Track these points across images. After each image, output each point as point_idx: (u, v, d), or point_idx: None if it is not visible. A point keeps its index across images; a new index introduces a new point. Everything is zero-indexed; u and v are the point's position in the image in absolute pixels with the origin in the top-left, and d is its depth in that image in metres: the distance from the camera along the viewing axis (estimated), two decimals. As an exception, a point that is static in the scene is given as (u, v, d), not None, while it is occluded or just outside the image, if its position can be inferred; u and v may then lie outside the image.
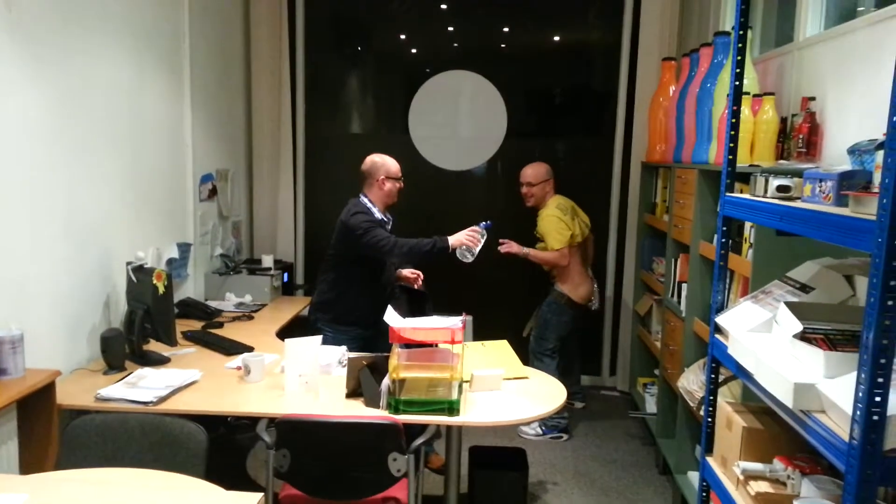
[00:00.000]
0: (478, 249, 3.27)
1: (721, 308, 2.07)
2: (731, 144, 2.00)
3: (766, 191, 1.82)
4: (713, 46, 3.19)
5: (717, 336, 2.01)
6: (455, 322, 2.47)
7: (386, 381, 2.45)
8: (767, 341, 1.73)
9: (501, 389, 2.68)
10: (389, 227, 3.35)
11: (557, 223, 3.91)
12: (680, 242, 3.38)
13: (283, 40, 4.69)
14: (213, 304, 3.92)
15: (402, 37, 4.93)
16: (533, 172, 4.06)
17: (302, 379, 2.61)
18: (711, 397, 2.11)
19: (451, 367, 2.42)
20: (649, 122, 4.15)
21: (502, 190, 4.84)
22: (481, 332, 4.62)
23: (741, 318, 1.92)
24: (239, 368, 2.83)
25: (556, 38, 4.87)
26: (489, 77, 4.74)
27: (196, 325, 3.54)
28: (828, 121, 2.66)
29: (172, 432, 2.06)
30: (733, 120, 2.01)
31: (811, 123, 2.67)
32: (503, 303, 4.87)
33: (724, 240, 2.04)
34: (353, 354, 2.81)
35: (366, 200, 3.31)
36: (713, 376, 2.09)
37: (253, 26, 4.67)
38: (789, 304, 1.69)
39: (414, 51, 4.97)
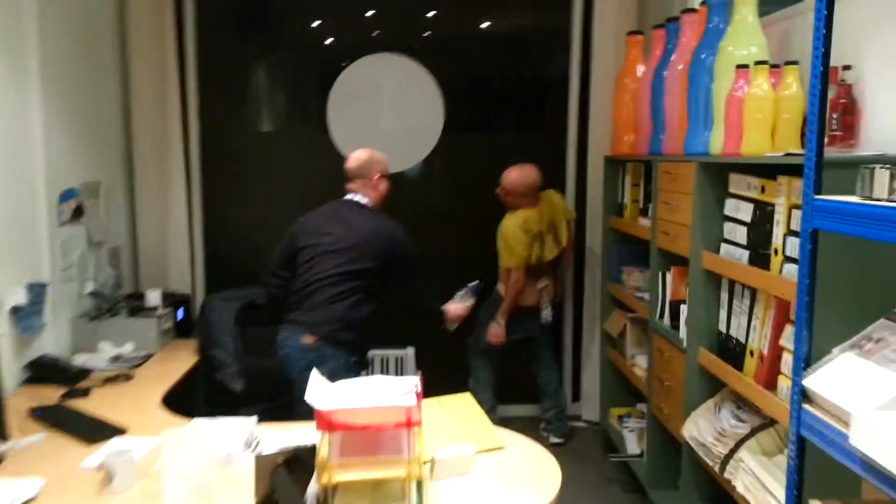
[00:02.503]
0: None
1: (806, 362, 1.41)
2: (817, 123, 1.34)
3: (892, 191, 1.17)
4: (706, 8, 2.58)
5: (809, 408, 1.36)
6: (408, 394, 1.73)
7: (313, 486, 1.69)
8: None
9: (474, 472, 1.97)
10: None
11: (509, 240, 3.53)
12: (669, 252, 2.75)
13: (168, 16, 3.80)
14: (81, 359, 3.05)
15: (318, 15, 4.11)
16: (509, 179, 3.58)
17: (189, 483, 1.82)
18: (797, 493, 1.45)
19: (408, 460, 1.68)
20: (613, 110, 3.53)
21: (443, 194, 4.13)
22: (425, 366, 3.92)
23: (850, 383, 1.27)
24: (101, 468, 2.00)
25: (497, 18, 4.19)
26: (421, 62, 4.01)
27: (54, 393, 2.67)
28: (866, 96, 2.08)
29: None
30: (820, 87, 1.35)
31: (847, 99, 2.08)
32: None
33: (809, 263, 1.38)
34: (267, 445, 2.03)
35: (368, 205, 2.94)
36: (797, 462, 1.43)
37: (127, -3, 3.76)
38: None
39: (333, 32, 4.15)
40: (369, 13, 4.07)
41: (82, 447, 2.19)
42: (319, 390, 1.75)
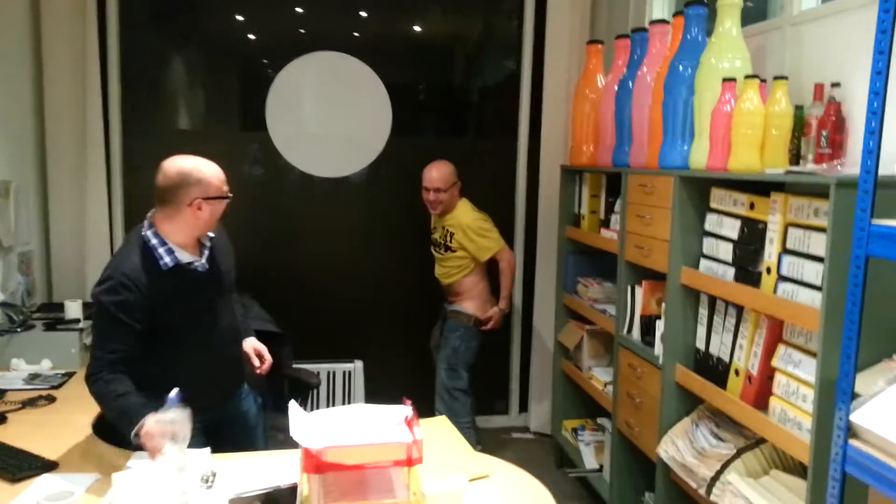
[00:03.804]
0: (183, 439, 1.68)
1: (848, 391, 1.35)
2: (877, 141, 1.27)
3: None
4: (682, 19, 2.53)
5: (856, 443, 1.29)
6: (401, 427, 1.56)
7: (297, 534, 1.50)
8: None
9: (462, 506, 1.82)
10: (205, 262, 2.09)
11: (483, 224, 3.45)
12: (640, 266, 2.69)
13: (89, 4, 3.44)
14: (-10, 378, 2.69)
15: (253, 9, 3.83)
16: (440, 175, 3.40)
17: (146, 533, 1.58)
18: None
19: (406, 503, 1.51)
20: (572, 119, 3.46)
21: (388, 201, 3.94)
22: (373, 378, 3.74)
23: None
24: (32, 512, 1.73)
25: (445, 21, 4.05)
26: (368, 62, 3.81)
27: (-37, 420, 2.32)
28: (854, 114, 2.08)
29: None
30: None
31: (836, 117, 2.07)
32: (394, 336, 4.02)
33: (861, 291, 1.32)
34: (225, 481, 1.81)
35: (150, 236, 2.00)
36: (839, 501, 1.36)
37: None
38: None
39: (270, 29, 3.87)
40: (311, 10, 3.84)
41: (4, 486, 1.88)
42: (303, 425, 1.56)
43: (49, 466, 1.99)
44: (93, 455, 2.10)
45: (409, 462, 1.48)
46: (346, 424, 1.60)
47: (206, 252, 2.10)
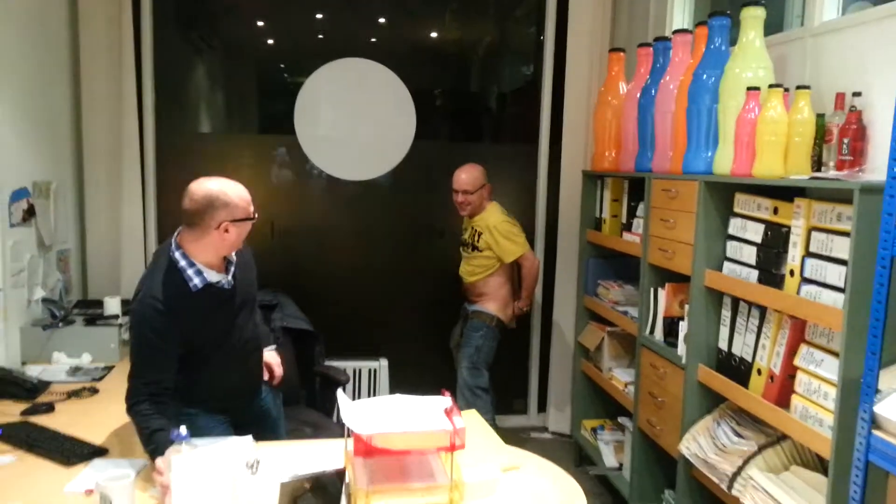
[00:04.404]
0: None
1: (873, 385, 1.42)
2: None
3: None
4: (705, 28, 2.61)
5: (880, 433, 1.37)
6: (442, 417, 1.65)
7: (345, 516, 1.58)
8: None
9: (496, 495, 1.90)
10: (231, 279, 2.12)
11: (511, 228, 3.50)
12: (663, 269, 2.77)
13: (125, 11, 3.57)
14: (34, 371, 2.79)
15: (285, 15, 3.95)
16: (469, 178, 3.47)
17: (201, 513, 1.67)
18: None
19: (449, 486, 1.60)
20: (594, 125, 3.53)
21: (412, 204, 4.04)
22: (397, 376, 3.84)
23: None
24: (89, 493, 1.83)
25: (470, 29, 4.15)
26: (393, 68, 3.92)
27: (13, 409, 2.43)
28: (874, 122, 2.15)
29: None
30: None
31: (857, 125, 2.14)
32: (417, 335, 4.10)
33: (886, 290, 1.39)
34: (268, 467, 1.90)
35: (178, 258, 2.02)
36: (862, 489, 1.44)
37: (81, -7, 3.51)
38: None
39: (299, 35, 3.99)
40: (340, 18, 3.95)
41: (59, 470, 1.99)
42: (350, 407, 1.65)
43: (100, 452, 2.09)
44: (139, 442, 2.19)
45: (452, 448, 1.57)
46: (390, 413, 1.69)
47: (232, 269, 2.13)
